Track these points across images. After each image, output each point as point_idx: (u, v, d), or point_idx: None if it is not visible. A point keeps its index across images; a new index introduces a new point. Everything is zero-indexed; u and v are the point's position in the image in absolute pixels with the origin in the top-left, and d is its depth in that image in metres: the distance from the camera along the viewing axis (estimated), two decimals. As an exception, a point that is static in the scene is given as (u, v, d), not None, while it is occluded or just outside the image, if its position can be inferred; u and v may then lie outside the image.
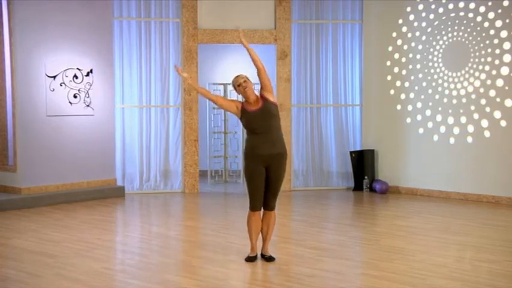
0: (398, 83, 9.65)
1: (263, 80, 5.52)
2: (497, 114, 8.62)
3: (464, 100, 8.92)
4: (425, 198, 9.22)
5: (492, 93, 8.64)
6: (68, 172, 9.03)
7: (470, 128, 8.88)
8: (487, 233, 6.87)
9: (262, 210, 5.65)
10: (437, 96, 9.20)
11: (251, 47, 5.51)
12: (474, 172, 8.90)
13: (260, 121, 5.46)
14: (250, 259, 5.62)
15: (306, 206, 8.81)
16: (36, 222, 7.49)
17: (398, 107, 9.67)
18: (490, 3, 8.60)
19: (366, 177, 9.82)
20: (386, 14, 9.73)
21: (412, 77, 9.48)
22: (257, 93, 5.65)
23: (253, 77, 11.94)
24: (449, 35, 9.03)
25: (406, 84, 9.55)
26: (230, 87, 11.12)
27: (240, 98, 5.70)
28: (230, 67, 11.64)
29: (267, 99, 5.53)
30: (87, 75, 9.17)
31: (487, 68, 8.67)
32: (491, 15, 8.60)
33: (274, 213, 5.69)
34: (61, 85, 8.92)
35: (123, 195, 9.41)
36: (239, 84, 5.53)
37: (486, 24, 8.64)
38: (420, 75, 9.38)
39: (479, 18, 8.71)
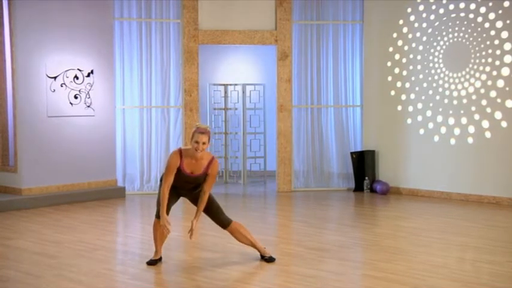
0: (399, 84, 9.64)
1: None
2: (497, 115, 8.62)
3: (465, 101, 8.92)
4: (426, 198, 9.22)
5: (493, 94, 8.64)
6: (69, 173, 9.04)
7: (471, 129, 8.87)
8: (488, 233, 6.87)
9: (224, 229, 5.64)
10: (437, 97, 9.20)
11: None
12: (475, 173, 8.90)
13: (189, 183, 5.42)
14: (152, 262, 5.56)
15: (307, 206, 8.81)
16: (36, 222, 7.50)
17: (399, 107, 9.66)
18: (490, 4, 8.60)
19: (366, 177, 9.82)
20: (386, 14, 9.73)
21: (413, 78, 9.47)
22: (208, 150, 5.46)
23: (254, 77, 11.96)
24: (450, 35, 9.03)
25: (407, 85, 9.55)
26: (230, 88, 11.15)
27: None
28: (231, 68, 11.65)
29: (206, 173, 5.39)
30: (88, 76, 9.18)
31: (487, 68, 8.67)
32: (491, 15, 8.60)
33: (235, 223, 5.63)
34: (62, 86, 8.92)
35: (124, 196, 9.42)
36: (197, 142, 5.19)
37: (487, 25, 8.64)
38: (421, 76, 9.38)
39: (479, 19, 8.71)
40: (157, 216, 5.50)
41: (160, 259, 5.61)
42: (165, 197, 5.33)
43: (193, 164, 5.35)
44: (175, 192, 5.53)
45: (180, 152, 5.36)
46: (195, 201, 5.58)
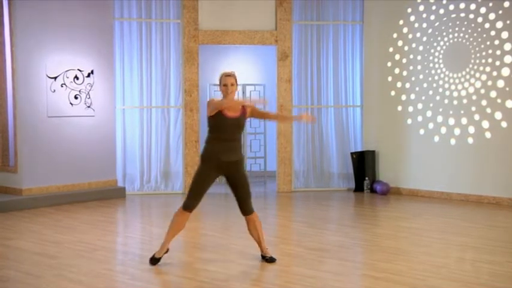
0: (399, 84, 9.65)
1: (262, 116, 5.69)
2: (498, 115, 8.62)
3: (465, 101, 8.92)
4: (426, 199, 9.22)
5: (493, 94, 8.64)
6: (69, 173, 9.04)
7: (471, 129, 8.87)
8: (488, 233, 6.87)
9: (244, 216, 5.60)
10: (438, 97, 9.20)
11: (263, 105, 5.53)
12: (475, 173, 8.90)
13: (230, 128, 5.38)
14: (154, 261, 5.52)
15: (307, 207, 8.81)
16: (37, 223, 7.50)
17: (399, 108, 9.67)
18: (490, 4, 8.60)
19: (366, 178, 9.82)
20: (387, 15, 9.73)
21: (413, 78, 9.48)
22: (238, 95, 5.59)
23: (254, 78, 11.96)
24: (450, 36, 9.04)
25: (407, 85, 9.55)
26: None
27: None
28: (231, 68, 11.61)
29: (245, 112, 5.45)
30: (88, 76, 9.18)
31: (487, 69, 8.67)
32: (492, 16, 8.60)
33: (255, 215, 5.64)
34: (62, 86, 8.92)
35: (124, 196, 9.42)
36: (225, 84, 5.39)
37: (487, 25, 8.64)
38: (421, 76, 9.38)
39: (480, 19, 8.72)
40: (184, 206, 5.43)
41: (159, 259, 5.58)
42: (222, 101, 5.35)
43: (230, 110, 5.40)
44: (210, 174, 5.41)
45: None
46: (235, 186, 5.49)
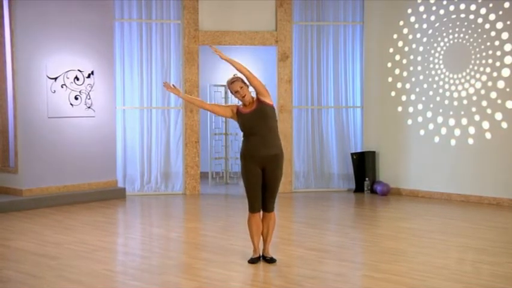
0: (399, 85, 9.65)
1: (256, 87, 5.45)
2: (498, 115, 8.62)
3: (465, 102, 8.92)
4: (426, 199, 9.22)
5: (493, 95, 8.64)
6: (69, 174, 9.04)
7: (471, 130, 8.87)
8: (488, 234, 6.87)
9: (261, 212, 5.65)
10: (438, 98, 9.20)
11: (239, 57, 5.52)
12: (475, 174, 8.90)
13: (254, 121, 5.43)
14: (253, 261, 5.62)
15: (307, 207, 8.81)
16: (37, 223, 7.50)
17: (399, 108, 9.67)
18: (491, 5, 8.61)
19: (367, 178, 9.82)
20: (387, 15, 9.73)
21: (413, 79, 9.48)
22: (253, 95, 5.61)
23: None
24: (450, 36, 9.04)
25: (407, 85, 9.55)
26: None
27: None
28: (231, 68, 11.58)
29: (262, 102, 5.48)
30: (88, 76, 9.18)
31: (488, 69, 8.67)
32: (492, 16, 8.61)
33: (273, 214, 5.67)
34: (62, 87, 8.92)
35: (124, 197, 9.42)
36: (236, 91, 5.44)
37: (487, 26, 8.65)
38: (421, 77, 9.38)
39: (480, 20, 8.72)
40: (251, 209, 5.51)
41: (259, 257, 5.65)
42: (207, 104, 5.69)
43: (247, 107, 5.48)
44: (255, 168, 5.46)
45: (236, 106, 5.60)
46: (266, 173, 5.50)
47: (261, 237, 5.73)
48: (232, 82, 5.45)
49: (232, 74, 5.64)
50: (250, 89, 5.54)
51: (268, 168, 5.50)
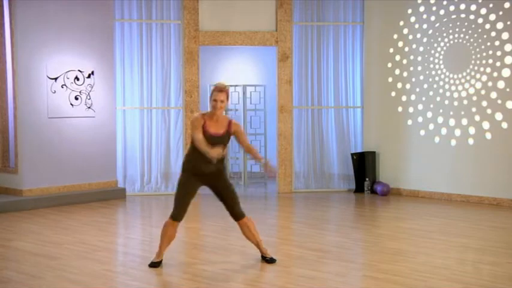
0: (399, 85, 9.64)
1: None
2: (498, 116, 8.62)
3: (465, 102, 8.92)
4: (426, 200, 9.22)
5: (493, 95, 8.64)
6: (69, 174, 9.04)
7: (472, 130, 8.87)
8: (489, 235, 6.87)
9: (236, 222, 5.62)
10: (438, 98, 9.20)
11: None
12: (475, 174, 8.89)
13: (212, 145, 5.33)
14: (154, 265, 5.53)
15: (307, 207, 8.81)
16: (37, 224, 7.50)
17: (400, 109, 9.66)
18: (491, 5, 8.60)
19: (367, 179, 9.82)
20: (387, 15, 9.73)
21: (413, 79, 9.48)
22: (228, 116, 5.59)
23: (255, 79, 11.95)
24: (451, 36, 9.03)
25: (407, 86, 9.55)
26: (231, 89, 11.15)
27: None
28: (231, 69, 11.64)
29: (229, 132, 5.43)
30: (89, 77, 9.18)
31: (488, 70, 8.67)
32: (492, 17, 8.60)
33: (247, 218, 5.63)
34: (62, 87, 8.93)
35: (124, 197, 9.42)
36: (215, 100, 5.32)
37: (487, 26, 8.64)
38: (421, 77, 9.38)
39: (480, 20, 8.71)
40: (173, 217, 5.46)
41: (161, 262, 5.60)
42: (201, 138, 5.25)
43: (214, 124, 5.39)
44: (194, 182, 5.44)
45: (202, 115, 5.42)
46: (217, 190, 5.50)
47: (253, 243, 5.70)
48: (220, 90, 5.34)
49: (220, 81, 5.60)
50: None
51: (214, 182, 5.47)
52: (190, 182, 5.43)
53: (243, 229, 5.65)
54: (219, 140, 5.37)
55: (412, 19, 9.46)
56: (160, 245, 5.58)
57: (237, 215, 5.58)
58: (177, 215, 5.45)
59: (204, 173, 5.41)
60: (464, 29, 8.89)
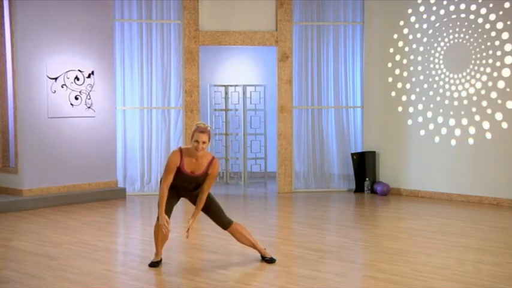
0: (399, 85, 9.64)
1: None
2: (498, 116, 8.62)
3: (465, 102, 8.92)
4: (426, 200, 9.22)
5: (493, 95, 8.64)
6: (69, 174, 9.04)
7: (472, 130, 8.87)
8: (489, 235, 6.87)
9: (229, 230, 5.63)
10: (438, 98, 9.20)
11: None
12: (475, 174, 8.89)
13: (190, 183, 5.38)
14: (153, 264, 5.55)
15: (307, 207, 8.81)
16: (37, 223, 7.50)
17: (400, 108, 9.66)
18: (491, 5, 8.60)
19: (367, 179, 9.82)
20: (387, 15, 9.73)
21: (413, 79, 9.47)
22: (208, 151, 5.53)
23: (255, 78, 11.95)
24: (451, 36, 9.03)
25: (407, 86, 9.55)
26: (231, 89, 11.15)
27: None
28: (231, 69, 11.64)
29: (206, 173, 5.38)
30: (89, 77, 9.18)
31: (488, 69, 8.67)
32: (492, 17, 8.60)
33: (236, 224, 5.63)
34: (62, 87, 8.92)
35: (124, 197, 9.42)
36: (197, 141, 5.19)
37: (487, 26, 8.64)
38: (421, 77, 9.38)
39: (480, 20, 8.71)
40: (158, 219, 5.49)
41: (160, 261, 5.61)
42: (164, 196, 5.32)
43: (193, 164, 5.34)
44: (176, 193, 5.52)
45: (181, 151, 5.35)
46: (195, 201, 5.57)
47: (249, 246, 5.71)
48: (201, 131, 5.20)
49: (200, 122, 5.52)
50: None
51: (195, 198, 5.49)
52: (171, 190, 5.42)
53: (235, 235, 5.66)
54: (193, 180, 5.38)
55: (412, 19, 9.46)
56: (156, 246, 5.60)
57: (224, 223, 5.59)
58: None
59: (182, 195, 5.52)
60: (464, 29, 8.88)
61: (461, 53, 8.91)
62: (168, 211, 5.44)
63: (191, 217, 5.42)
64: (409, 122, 9.56)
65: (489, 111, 8.68)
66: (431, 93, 9.28)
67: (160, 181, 5.48)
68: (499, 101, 8.59)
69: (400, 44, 9.61)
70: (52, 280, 5.14)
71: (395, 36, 9.66)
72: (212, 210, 5.56)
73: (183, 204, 9.11)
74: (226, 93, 11.12)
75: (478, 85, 8.77)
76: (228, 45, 10.01)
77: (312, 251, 6.07)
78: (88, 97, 9.18)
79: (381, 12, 9.79)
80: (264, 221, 7.82)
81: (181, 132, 9.80)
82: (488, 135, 8.71)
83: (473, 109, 8.83)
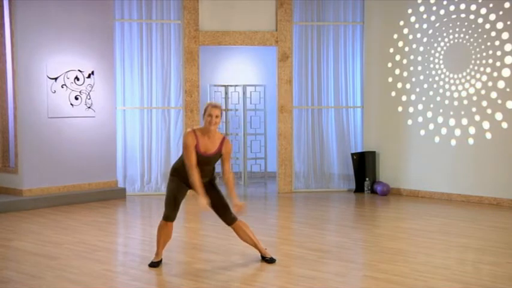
0: (399, 85, 9.64)
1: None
2: (498, 116, 8.62)
3: (465, 102, 8.92)
4: (426, 200, 9.22)
5: (493, 95, 8.64)
6: (69, 174, 9.04)
7: (472, 130, 8.87)
8: (489, 235, 6.87)
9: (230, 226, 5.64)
10: (438, 98, 9.20)
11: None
12: (475, 174, 8.89)
13: (202, 164, 5.40)
14: (154, 264, 5.55)
15: (307, 207, 8.81)
16: (37, 223, 7.50)
17: (400, 108, 9.66)
18: (491, 5, 8.60)
19: (367, 179, 9.82)
20: (387, 15, 9.73)
21: (413, 79, 9.47)
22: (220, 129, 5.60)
23: (255, 79, 11.94)
24: (451, 36, 9.03)
25: (408, 86, 9.55)
26: (231, 89, 11.15)
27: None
28: (231, 69, 11.65)
29: (221, 151, 5.46)
30: (89, 77, 9.18)
31: (488, 69, 8.67)
32: (492, 17, 8.60)
33: (240, 222, 5.66)
34: (62, 87, 8.93)
35: (124, 197, 9.42)
36: (210, 115, 5.31)
37: (487, 26, 8.64)
38: (421, 77, 9.38)
39: (480, 20, 8.71)
40: (165, 218, 5.49)
41: (160, 261, 5.62)
42: (196, 176, 5.28)
43: (206, 142, 5.40)
44: (185, 185, 5.49)
45: (194, 131, 5.39)
46: (206, 190, 5.48)
47: (251, 244, 5.72)
48: (214, 106, 5.36)
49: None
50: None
51: (207, 192, 5.47)
52: (179, 185, 5.48)
53: (238, 232, 5.68)
54: (208, 160, 5.42)
55: (412, 19, 9.46)
56: (157, 246, 5.62)
57: (229, 219, 5.63)
58: (169, 216, 5.50)
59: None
60: (464, 29, 8.88)
61: (461, 53, 8.91)
62: (177, 207, 5.48)
63: (233, 197, 5.41)
64: (409, 122, 9.56)
65: (489, 111, 8.68)
66: (431, 93, 9.28)
67: (172, 175, 5.47)
68: (499, 101, 8.59)
69: (400, 44, 9.61)
70: (52, 280, 5.14)
71: (395, 36, 9.66)
72: (219, 205, 5.59)
73: (183, 204, 9.12)
74: (226, 93, 11.13)
75: (478, 85, 8.78)
76: (228, 45, 10.01)
77: (312, 251, 6.07)
78: (88, 97, 9.18)
79: (381, 12, 9.79)
80: (264, 221, 7.82)
81: (181, 132, 9.80)
82: (488, 135, 8.71)
83: (473, 109, 8.83)
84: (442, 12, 9.13)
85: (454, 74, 9.03)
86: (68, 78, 8.97)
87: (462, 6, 8.89)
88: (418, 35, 9.40)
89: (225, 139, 5.51)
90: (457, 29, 8.96)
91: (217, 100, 11.13)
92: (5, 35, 8.75)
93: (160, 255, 5.63)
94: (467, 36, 8.86)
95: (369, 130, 10.05)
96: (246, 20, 9.87)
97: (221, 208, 5.61)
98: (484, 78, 8.71)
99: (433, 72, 9.25)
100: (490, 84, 8.66)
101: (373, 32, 9.90)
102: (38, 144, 8.72)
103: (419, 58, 9.40)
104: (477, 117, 8.81)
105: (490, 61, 8.64)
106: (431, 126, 9.31)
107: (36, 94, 8.69)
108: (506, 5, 8.46)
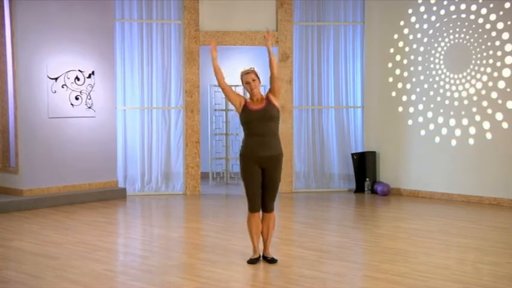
0: (399, 85, 9.64)
1: (275, 86, 5.59)
2: (498, 116, 8.62)
3: (465, 102, 8.92)
4: (426, 200, 9.21)
5: (494, 95, 8.63)
6: (70, 174, 9.04)
7: (472, 130, 8.87)
8: (489, 235, 6.87)
9: (261, 212, 5.66)
10: (438, 98, 9.20)
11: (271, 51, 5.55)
12: (476, 174, 8.89)
13: (259, 120, 5.47)
14: (253, 261, 5.61)
15: (308, 207, 8.81)
16: (37, 224, 7.50)
17: (400, 109, 9.66)
18: (491, 5, 8.60)
19: (367, 179, 9.82)
20: (387, 15, 9.73)
21: (414, 79, 9.47)
22: (263, 92, 5.68)
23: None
24: (451, 36, 9.03)
25: (408, 86, 9.55)
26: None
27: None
28: (231, 69, 11.62)
29: (272, 103, 5.55)
30: (89, 77, 9.18)
31: (488, 70, 8.66)
32: (492, 17, 8.60)
33: (273, 215, 5.69)
34: (63, 87, 8.93)
35: (125, 197, 9.42)
36: (247, 82, 5.53)
37: (488, 26, 8.64)
38: (422, 77, 9.38)
39: (480, 20, 8.71)
40: (251, 209, 5.53)
41: (259, 257, 5.65)
42: (223, 78, 5.59)
43: (256, 103, 5.54)
44: (254, 168, 5.48)
45: (245, 99, 5.61)
46: (265, 175, 5.53)
47: (261, 238, 5.73)
48: (246, 73, 5.56)
49: (249, 67, 5.72)
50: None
51: (268, 169, 5.52)
52: (251, 172, 5.50)
53: (264, 221, 5.67)
54: (263, 113, 5.47)
55: (413, 19, 9.45)
56: (252, 241, 5.65)
57: (267, 207, 5.63)
58: (254, 207, 5.54)
59: (261, 156, 5.46)
60: (464, 29, 8.88)
61: (462, 53, 8.91)
62: (257, 196, 5.50)
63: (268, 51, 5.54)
64: (410, 122, 9.56)
65: (489, 111, 8.68)
66: (431, 93, 9.27)
67: (241, 152, 5.56)
68: (500, 101, 8.59)
69: (401, 44, 9.61)
70: (52, 280, 5.14)
71: (395, 36, 9.66)
72: (270, 189, 5.57)
73: (183, 204, 9.13)
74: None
75: (479, 85, 8.77)
76: (228, 45, 10.01)
77: (312, 251, 6.07)
78: (88, 97, 9.18)
79: (381, 12, 9.79)
80: (264, 221, 7.82)
81: (182, 132, 9.80)
82: (489, 136, 8.71)
83: (474, 109, 8.83)
84: (442, 12, 9.12)
85: (454, 74, 9.03)
86: (68, 78, 8.98)
87: (462, 7, 8.89)
88: (419, 35, 9.40)
89: (267, 93, 5.63)
90: (458, 29, 8.96)
91: (218, 100, 11.14)
92: (6, 35, 8.75)
93: (258, 250, 5.65)
94: (467, 37, 8.86)
95: (369, 130, 10.05)
96: (246, 20, 9.87)
97: (269, 191, 5.58)
98: (485, 78, 8.71)
99: (434, 73, 9.25)
100: (490, 84, 8.66)
101: (374, 32, 9.90)
102: (38, 144, 8.72)
103: (420, 58, 9.39)
104: (477, 118, 8.80)
105: (491, 61, 8.63)
106: (431, 127, 9.31)
107: (37, 94, 8.69)
108: (507, 5, 8.46)
